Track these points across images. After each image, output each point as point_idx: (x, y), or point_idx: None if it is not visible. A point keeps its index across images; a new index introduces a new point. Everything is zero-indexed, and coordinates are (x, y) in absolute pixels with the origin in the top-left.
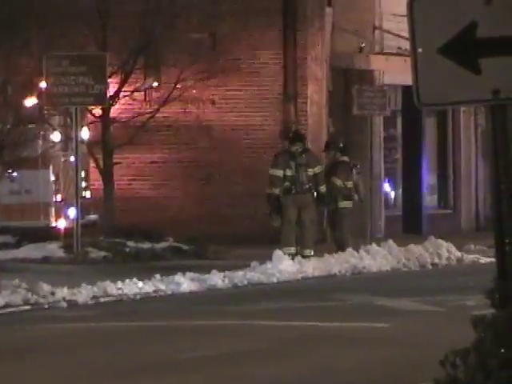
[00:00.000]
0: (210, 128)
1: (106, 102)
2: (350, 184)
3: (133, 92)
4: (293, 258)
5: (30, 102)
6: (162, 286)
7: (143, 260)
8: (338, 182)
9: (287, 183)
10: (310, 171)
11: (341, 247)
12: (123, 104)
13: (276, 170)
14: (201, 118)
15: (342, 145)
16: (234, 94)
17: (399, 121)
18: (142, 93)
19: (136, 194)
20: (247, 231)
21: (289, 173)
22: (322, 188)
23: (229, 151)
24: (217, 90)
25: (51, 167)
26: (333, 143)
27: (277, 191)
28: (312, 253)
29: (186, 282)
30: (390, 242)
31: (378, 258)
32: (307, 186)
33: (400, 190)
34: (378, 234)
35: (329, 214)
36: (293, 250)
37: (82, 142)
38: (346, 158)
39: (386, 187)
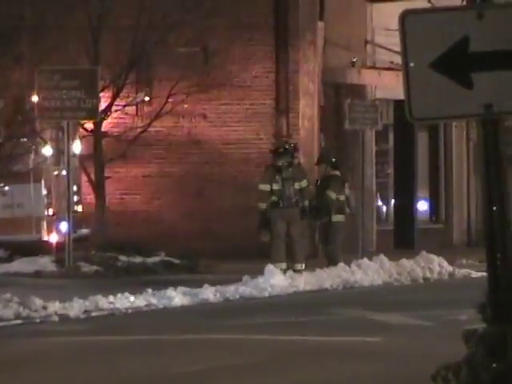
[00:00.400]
0: (201, 142)
1: (98, 116)
2: (342, 198)
3: (125, 106)
4: (284, 273)
5: (22, 115)
6: (154, 301)
7: (135, 274)
8: (333, 196)
9: (274, 197)
10: (297, 185)
11: (333, 261)
12: (115, 118)
13: (262, 185)
14: (192, 133)
15: (334, 159)
16: (225, 108)
17: (391, 135)
18: (134, 107)
19: (127, 208)
20: (238, 245)
21: (275, 187)
22: (306, 203)
23: (220, 165)
24: (208, 104)
25: (43, 181)
26: (325, 157)
27: (263, 206)
28: (303, 267)
29: (177, 296)
30: (382, 256)
31: (369, 272)
32: (294, 200)
33: (392, 205)
34: (370, 249)
35: (321, 228)
36: (284, 265)
37: (74, 155)
38: (337, 172)
39: (378, 202)
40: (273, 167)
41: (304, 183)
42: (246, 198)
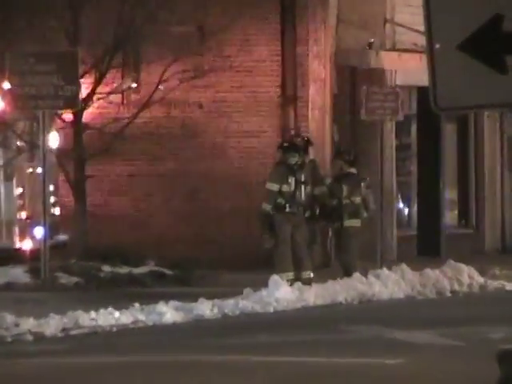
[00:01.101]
0: (196, 135)
1: (78, 106)
2: (357, 200)
3: (109, 94)
4: (291, 284)
5: None
6: (142, 317)
7: (120, 286)
8: (345, 193)
9: (281, 199)
10: (309, 189)
11: (347, 272)
12: (97, 108)
13: (271, 184)
14: (186, 124)
15: (351, 155)
16: (224, 97)
17: (414, 127)
18: (120, 95)
19: (112, 212)
20: (239, 253)
21: (285, 188)
22: (316, 208)
23: (218, 162)
24: (205, 91)
25: (15, 180)
26: (340, 152)
27: (268, 207)
28: (312, 275)
29: (169, 312)
30: (404, 265)
31: (389, 284)
32: (302, 207)
33: (415, 207)
34: (390, 257)
35: (333, 234)
36: (291, 275)
37: (51, 151)
38: (353, 170)
39: (399, 203)
40: (284, 165)
41: (316, 191)
42: (247, 200)
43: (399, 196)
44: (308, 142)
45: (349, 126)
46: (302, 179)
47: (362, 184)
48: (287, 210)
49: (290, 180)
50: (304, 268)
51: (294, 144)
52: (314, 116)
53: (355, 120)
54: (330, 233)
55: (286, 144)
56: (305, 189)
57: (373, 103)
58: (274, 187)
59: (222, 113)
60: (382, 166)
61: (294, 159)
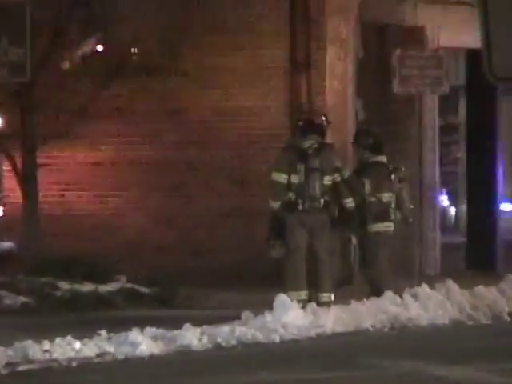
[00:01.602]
0: (181, 113)
1: (27, 75)
2: (386, 197)
3: (67, 60)
4: (304, 306)
5: None
6: (110, 348)
7: (82, 309)
8: (368, 189)
9: (291, 195)
10: (327, 179)
11: (375, 290)
12: (53, 77)
13: (277, 174)
14: (168, 98)
15: (375, 139)
16: (218, 63)
17: (462, 102)
18: (81, 61)
19: (72, 211)
20: (236, 266)
21: (295, 179)
22: (349, 202)
23: (210, 147)
24: (193, 56)
25: None
26: (363, 135)
27: (276, 205)
28: (332, 298)
29: (144, 342)
30: (449, 282)
31: (430, 305)
32: (321, 202)
33: (464, 206)
34: (432, 271)
35: (357, 242)
36: (303, 295)
37: None
38: (381, 158)
39: (444, 202)
40: (294, 149)
41: (338, 177)
42: (247, 195)
43: (443, 192)
44: (326, 121)
45: (378, 101)
46: (316, 166)
47: (393, 176)
48: (300, 207)
49: (298, 168)
50: (322, 289)
51: (312, 122)
52: (332, 87)
53: (386, 93)
54: (354, 240)
55: (300, 122)
56: (320, 179)
57: (409, 71)
58: (281, 178)
59: (215, 83)
60: (422, 153)
61: (309, 142)
